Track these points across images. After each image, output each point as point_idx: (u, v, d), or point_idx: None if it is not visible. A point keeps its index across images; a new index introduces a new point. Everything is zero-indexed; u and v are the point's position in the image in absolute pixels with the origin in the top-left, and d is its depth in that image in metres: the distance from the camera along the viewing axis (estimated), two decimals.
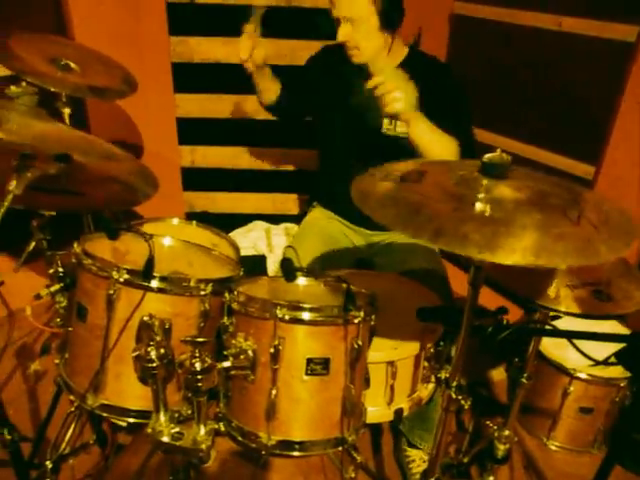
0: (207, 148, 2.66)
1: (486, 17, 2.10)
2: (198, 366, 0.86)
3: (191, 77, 2.49)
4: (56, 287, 1.22)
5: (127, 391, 1.02)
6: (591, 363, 1.78)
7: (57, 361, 1.12)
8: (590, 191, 0.93)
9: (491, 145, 2.16)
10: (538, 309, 1.09)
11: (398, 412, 1.25)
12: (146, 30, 2.37)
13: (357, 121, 1.66)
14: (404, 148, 1.59)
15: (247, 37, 1.61)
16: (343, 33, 1.51)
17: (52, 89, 1.55)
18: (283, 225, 2.62)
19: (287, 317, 0.89)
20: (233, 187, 2.73)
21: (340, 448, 0.98)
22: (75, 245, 1.08)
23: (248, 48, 1.61)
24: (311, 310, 0.90)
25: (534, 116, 2.07)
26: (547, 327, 1.18)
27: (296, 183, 2.68)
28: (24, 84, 1.14)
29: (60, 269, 1.40)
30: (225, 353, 0.93)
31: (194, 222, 1.43)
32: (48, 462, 1.60)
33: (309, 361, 0.92)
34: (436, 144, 1.45)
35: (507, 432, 1.42)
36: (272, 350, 0.90)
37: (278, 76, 1.82)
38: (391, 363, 1.18)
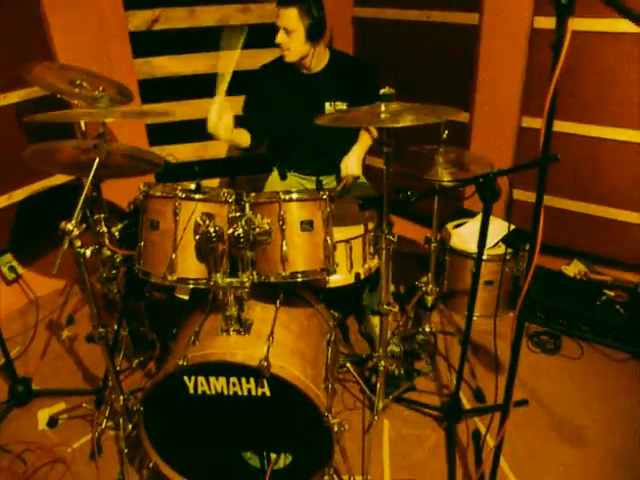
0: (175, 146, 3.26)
1: (378, 16, 2.84)
2: (241, 232, 1.50)
3: (155, 89, 3.08)
4: (123, 223, 1.81)
5: (191, 268, 1.62)
6: (487, 246, 2.55)
7: (138, 265, 1.70)
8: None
9: None
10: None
11: (357, 275, 1.92)
12: (114, 55, 2.93)
13: (307, 108, 2.29)
14: None
15: (213, 112, 1.95)
16: (279, 38, 2.14)
17: (75, 102, 2.13)
18: None
19: (287, 198, 1.55)
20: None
21: (325, 275, 1.64)
22: (141, 186, 1.67)
23: (216, 124, 1.96)
24: (298, 192, 1.57)
25: (420, 84, 2.82)
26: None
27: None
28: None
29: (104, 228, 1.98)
30: (252, 226, 1.56)
31: None
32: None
33: (302, 222, 1.58)
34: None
35: (430, 286, 2.14)
36: (280, 221, 1.56)
37: (238, 124, 2.20)
38: (347, 241, 1.85)
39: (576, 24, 2.25)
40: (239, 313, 1.61)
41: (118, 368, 2.30)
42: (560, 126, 2.45)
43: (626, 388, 2.22)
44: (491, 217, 2.73)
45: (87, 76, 2.25)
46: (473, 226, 2.67)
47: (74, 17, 2.75)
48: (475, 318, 2.69)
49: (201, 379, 1.53)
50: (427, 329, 2.24)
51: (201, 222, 1.56)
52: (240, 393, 1.54)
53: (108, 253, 2.04)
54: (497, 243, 2.57)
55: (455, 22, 2.55)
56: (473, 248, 2.56)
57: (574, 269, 2.65)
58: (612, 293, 2.48)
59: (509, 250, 2.53)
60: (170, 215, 1.59)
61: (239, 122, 2.38)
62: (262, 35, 3.05)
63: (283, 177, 2.46)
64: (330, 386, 1.67)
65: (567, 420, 2.08)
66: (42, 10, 2.62)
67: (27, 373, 2.37)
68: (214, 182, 3.40)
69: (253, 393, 1.54)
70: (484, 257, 2.52)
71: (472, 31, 2.52)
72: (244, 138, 2.30)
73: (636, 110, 2.25)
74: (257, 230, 1.56)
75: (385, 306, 1.81)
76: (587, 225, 2.62)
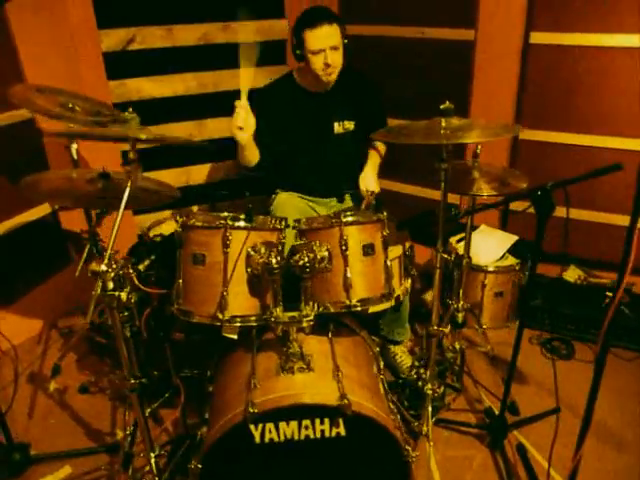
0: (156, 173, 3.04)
1: (366, 34, 2.82)
2: (307, 261, 1.39)
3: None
4: (150, 259, 1.63)
5: (243, 304, 1.48)
6: (496, 258, 2.56)
7: (176, 306, 1.54)
8: None
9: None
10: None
11: (397, 297, 1.84)
12: (87, 77, 2.71)
13: (316, 130, 2.25)
14: (348, 139, 2.31)
15: (241, 110, 1.86)
16: (335, 59, 2.02)
17: (71, 125, 1.93)
18: None
19: (349, 220, 1.46)
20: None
21: (385, 301, 1.55)
22: (178, 218, 1.51)
23: (244, 119, 1.87)
24: (354, 214, 1.49)
25: (413, 100, 2.83)
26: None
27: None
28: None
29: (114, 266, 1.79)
30: (307, 254, 1.44)
31: None
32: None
33: (364, 246, 1.49)
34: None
35: (462, 302, 2.11)
36: (343, 245, 1.46)
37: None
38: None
39: (572, 39, 2.37)
40: (301, 349, 1.49)
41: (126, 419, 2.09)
42: (557, 137, 2.54)
43: None
44: (492, 229, 2.80)
45: (75, 99, 2.06)
46: (477, 239, 2.69)
47: (43, 36, 2.52)
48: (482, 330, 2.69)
49: (269, 426, 1.39)
50: (457, 346, 2.20)
51: (254, 253, 1.44)
52: (312, 436, 1.41)
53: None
54: (504, 255, 2.59)
55: (450, 38, 2.58)
56: (481, 261, 2.58)
57: (573, 275, 2.72)
58: None
59: (516, 262, 2.56)
60: (218, 247, 1.45)
61: None
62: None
63: (340, 199, 2.41)
64: (399, 417, 1.58)
65: (601, 424, 2.10)
66: (9, 29, 2.38)
67: (15, 435, 2.08)
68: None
69: (327, 434, 1.41)
70: (492, 269, 2.57)
71: (468, 46, 2.56)
72: (255, 153, 2.16)
73: (628, 120, 2.37)
74: (318, 259, 1.45)
75: (434, 327, 1.75)
76: (582, 231, 2.71)
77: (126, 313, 1.95)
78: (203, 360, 1.90)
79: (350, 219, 1.47)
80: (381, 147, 2.38)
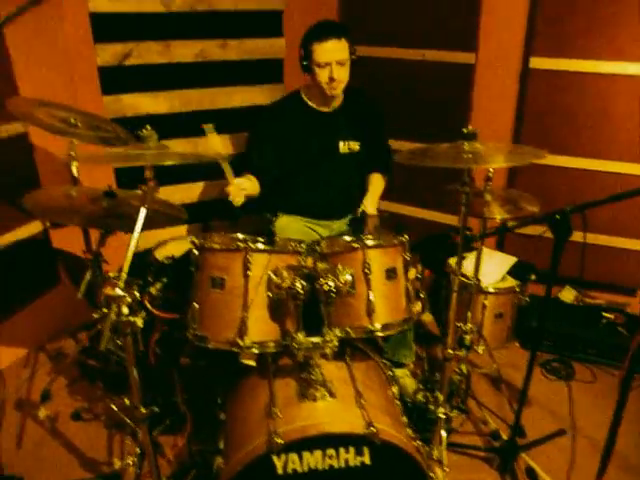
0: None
1: (368, 55, 2.82)
2: (333, 286, 1.35)
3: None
4: (162, 282, 1.57)
5: (264, 329, 1.44)
6: (496, 280, 2.57)
7: (191, 331, 1.48)
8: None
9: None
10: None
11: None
12: (81, 91, 2.64)
13: (321, 148, 2.23)
14: (353, 159, 2.29)
15: (235, 189, 1.91)
16: (340, 74, 2.03)
17: (75, 141, 1.87)
18: None
19: (371, 244, 1.44)
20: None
21: (405, 326, 1.53)
22: (194, 239, 1.46)
23: (240, 196, 1.93)
24: (375, 238, 1.46)
25: (413, 121, 2.84)
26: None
27: None
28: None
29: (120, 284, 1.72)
30: (333, 279, 1.41)
31: None
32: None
33: (387, 270, 1.46)
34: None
35: (469, 325, 2.10)
36: (366, 269, 1.43)
37: (245, 172, 2.15)
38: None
39: (571, 65, 2.42)
40: (323, 376, 1.44)
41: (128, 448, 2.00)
42: (555, 160, 2.58)
43: None
44: (491, 251, 2.82)
45: (74, 113, 2.00)
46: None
47: (38, 48, 2.45)
48: (480, 352, 2.68)
49: (293, 456, 1.34)
50: (464, 368, 2.19)
51: (275, 277, 1.40)
52: (336, 466, 1.36)
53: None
54: (503, 276, 2.60)
55: (450, 61, 2.61)
56: (482, 283, 2.58)
57: (569, 295, 2.76)
58: (611, 316, 2.60)
59: (516, 284, 2.57)
60: (239, 270, 1.41)
61: (244, 164, 2.23)
62: (240, 72, 2.97)
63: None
64: (420, 442, 1.55)
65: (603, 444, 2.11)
66: (4, 40, 2.30)
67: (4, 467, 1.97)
68: (181, 229, 3.12)
69: (351, 463, 1.37)
70: (493, 291, 2.57)
71: (467, 69, 2.59)
72: (255, 187, 2.16)
73: (627, 145, 2.43)
74: (342, 284, 1.41)
75: (450, 351, 1.73)
76: (578, 252, 2.74)
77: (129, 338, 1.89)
78: (208, 386, 1.83)
79: (373, 242, 1.45)
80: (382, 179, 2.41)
